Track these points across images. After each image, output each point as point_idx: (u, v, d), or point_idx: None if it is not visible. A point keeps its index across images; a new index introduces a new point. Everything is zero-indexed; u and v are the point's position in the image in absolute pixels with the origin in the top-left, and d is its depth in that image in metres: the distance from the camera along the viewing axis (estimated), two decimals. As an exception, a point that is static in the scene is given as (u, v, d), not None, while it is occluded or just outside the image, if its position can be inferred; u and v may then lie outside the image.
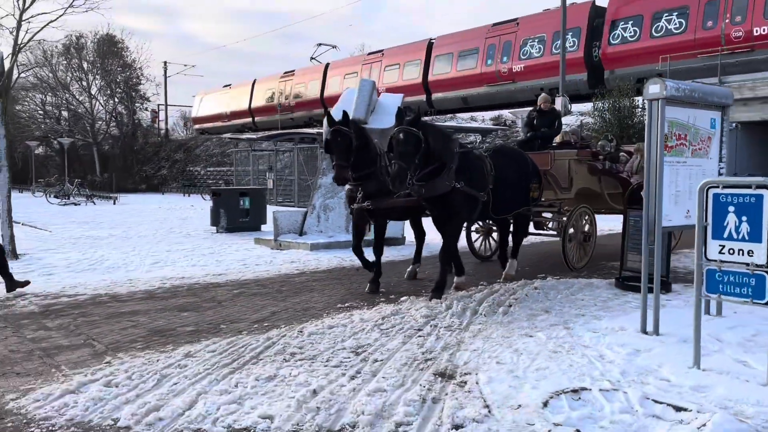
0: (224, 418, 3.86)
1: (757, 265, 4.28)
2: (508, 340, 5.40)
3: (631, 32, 25.49)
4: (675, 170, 5.63)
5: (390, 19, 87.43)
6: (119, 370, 4.69)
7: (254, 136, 32.77)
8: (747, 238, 4.32)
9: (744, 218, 4.33)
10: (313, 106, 40.50)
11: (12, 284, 7.67)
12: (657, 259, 5.54)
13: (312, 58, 42.52)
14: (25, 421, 3.87)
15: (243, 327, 6.06)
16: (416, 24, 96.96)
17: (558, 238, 9.54)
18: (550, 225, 9.84)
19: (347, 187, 7.66)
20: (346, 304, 7.00)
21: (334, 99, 39.07)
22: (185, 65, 60.66)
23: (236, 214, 14.97)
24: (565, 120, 25.15)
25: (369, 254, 8.14)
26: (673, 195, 5.64)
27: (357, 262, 8.36)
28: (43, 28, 10.67)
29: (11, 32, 10.52)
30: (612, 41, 26.07)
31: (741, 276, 4.36)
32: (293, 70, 44.64)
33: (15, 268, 9.44)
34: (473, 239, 10.43)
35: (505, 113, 30.73)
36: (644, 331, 5.54)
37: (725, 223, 4.43)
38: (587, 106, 26.19)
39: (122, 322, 6.32)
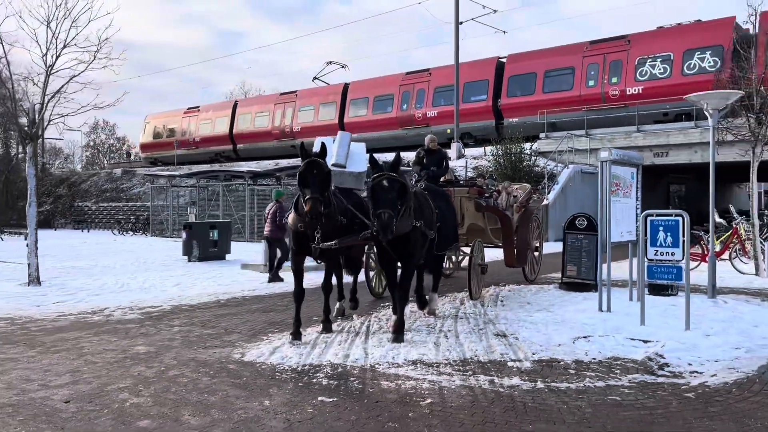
0: (389, 358, 6.22)
1: (677, 260, 7.39)
2: (521, 316, 8.17)
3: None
4: (615, 205, 8.75)
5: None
6: (284, 344, 6.85)
7: (176, 173, 33.62)
8: (670, 245, 7.43)
9: (669, 233, 7.44)
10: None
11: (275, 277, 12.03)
12: (608, 265, 8.57)
13: (316, 78, 40.97)
14: (263, 367, 5.97)
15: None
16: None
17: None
18: (452, 258, 11.96)
19: (291, 223, 7.21)
20: (386, 304, 9.41)
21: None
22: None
23: (207, 244, 16.67)
24: (459, 163, 29.22)
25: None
26: (615, 222, 8.75)
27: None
28: (68, 81, 11.86)
29: (37, 85, 11.67)
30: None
31: (668, 267, 7.44)
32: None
33: (43, 292, 10.87)
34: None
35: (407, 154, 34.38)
36: (600, 310, 8.52)
37: (657, 237, 7.52)
38: (480, 151, 30.25)
39: (233, 320, 8.35)
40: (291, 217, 7.26)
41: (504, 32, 35.48)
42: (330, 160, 14.18)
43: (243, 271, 14.21)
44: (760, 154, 12.74)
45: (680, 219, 7.40)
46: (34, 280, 11.87)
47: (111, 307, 9.46)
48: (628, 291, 9.44)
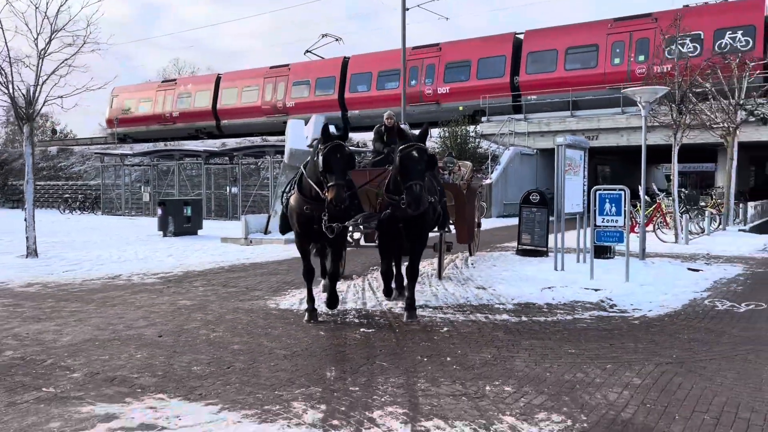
0: (401, 304, 7.69)
1: (619, 226, 9.18)
2: (493, 275, 9.81)
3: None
4: (569, 182, 10.48)
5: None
6: (300, 298, 8.21)
7: (129, 152, 33.64)
8: (615, 214, 9.21)
9: (613, 204, 9.21)
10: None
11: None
12: (562, 234, 10.30)
13: (308, 51, 39.41)
14: (301, 313, 7.31)
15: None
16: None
17: None
18: None
19: (295, 204, 6.73)
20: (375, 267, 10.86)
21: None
22: None
23: (181, 220, 17.58)
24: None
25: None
26: (567, 196, 10.49)
27: None
28: (60, 66, 12.45)
29: (30, 67, 12.24)
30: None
31: (612, 232, 9.23)
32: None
33: (45, 263, 11.73)
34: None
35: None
36: (556, 269, 10.26)
37: (604, 207, 9.28)
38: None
39: (249, 281, 9.61)
40: (294, 199, 6.72)
41: (447, 18, 37.08)
42: (306, 141, 15.54)
43: (224, 244, 15.29)
44: (680, 139, 14.89)
45: (622, 193, 9.19)
46: (32, 252, 12.62)
47: (125, 274, 10.48)
48: (576, 255, 11.25)
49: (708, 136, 18.98)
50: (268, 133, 35.82)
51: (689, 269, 10.84)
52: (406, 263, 7.18)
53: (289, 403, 4.32)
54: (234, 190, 26.02)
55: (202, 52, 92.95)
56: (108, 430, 3.88)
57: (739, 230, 20.40)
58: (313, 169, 6.39)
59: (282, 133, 35.82)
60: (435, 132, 30.13)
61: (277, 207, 15.62)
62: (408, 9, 33.52)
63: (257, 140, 32.86)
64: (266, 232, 15.43)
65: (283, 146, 29.99)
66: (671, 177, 16.31)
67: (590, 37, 28.60)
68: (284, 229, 7.75)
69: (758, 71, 19.40)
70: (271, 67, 39.41)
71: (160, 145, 35.71)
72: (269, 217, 15.60)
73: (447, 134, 28.54)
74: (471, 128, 29.15)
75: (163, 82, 45.68)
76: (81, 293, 8.69)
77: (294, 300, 8.00)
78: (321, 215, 6.47)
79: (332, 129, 6.46)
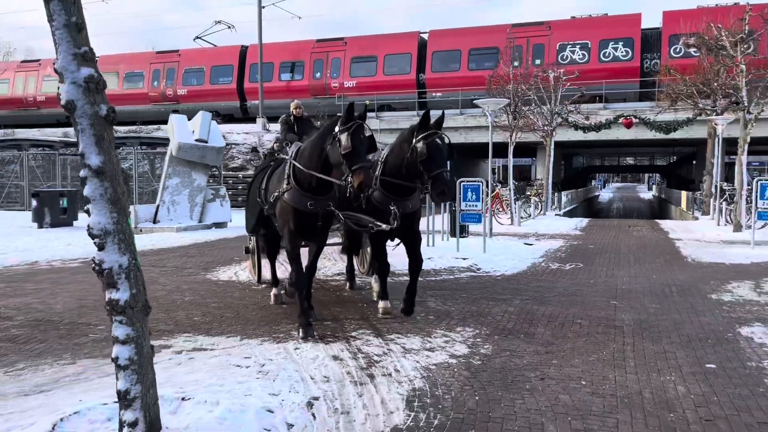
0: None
1: (478, 210, 11.79)
2: (382, 251, 11.98)
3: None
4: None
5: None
6: (235, 272, 9.76)
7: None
8: (474, 200, 11.79)
9: (473, 192, 11.79)
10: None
11: None
12: (433, 218, 12.73)
13: (198, 38, 37.87)
14: (235, 281, 8.92)
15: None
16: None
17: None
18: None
19: (294, 201, 6.00)
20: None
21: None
22: None
23: (58, 211, 17.66)
24: (268, 137, 32.22)
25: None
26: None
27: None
28: None
29: None
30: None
31: (473, 214, 11.83)
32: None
33: None
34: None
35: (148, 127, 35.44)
36: (428, 246, 12.68)
37: (467, 195, 11.83)
38: (242, 127, 33.22)
39: (172, 261, 10.85)
40: (291, 195, 6.03)
41: (299, 17, 38.75)
42: (193, 136, 16.70)
43: (113, 234, 15.90)
44: (514, 139, 18.18)
45: (481, 183, 11.82)
46: None
47: (41, 261, 11.13)
48: (441, 235, 13.79)
49: (532, 136, 22.83)
50: (156, 122, 34.83)
51: (525, 244, 13.86)
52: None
53: (289, 331, 6.10)
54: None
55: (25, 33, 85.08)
56: (172, 353, 5.41)
57: (556, 215, 24.73)
58: (314, 158, 5.82)
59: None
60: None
61: (166, 198, 16.58)
62: (264, 7, 34.88)
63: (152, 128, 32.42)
64: (155, 221, 16.26)
65: (150, 137, 29.91)
66: (495, 171, 19.69)
67: (491, 39, 30.78)
68: (256, 228, 7.49)
69: (569, 83, 23.57)
70: (159, 52, 38.21)
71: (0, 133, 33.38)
72: (158, 207, 16.43)
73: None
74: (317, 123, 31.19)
75: (23, 62, 41.98)
76: (23, 275, 9.44)
77: (230, 273, 9.54)
78: (326, 210, 6.03)
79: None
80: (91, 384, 4.59)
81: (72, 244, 13.66)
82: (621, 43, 28.93)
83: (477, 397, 4.36)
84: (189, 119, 17.42)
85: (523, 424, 3.93)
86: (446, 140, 6.12)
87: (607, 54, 29.07)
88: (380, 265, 6.87)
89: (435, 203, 7.20)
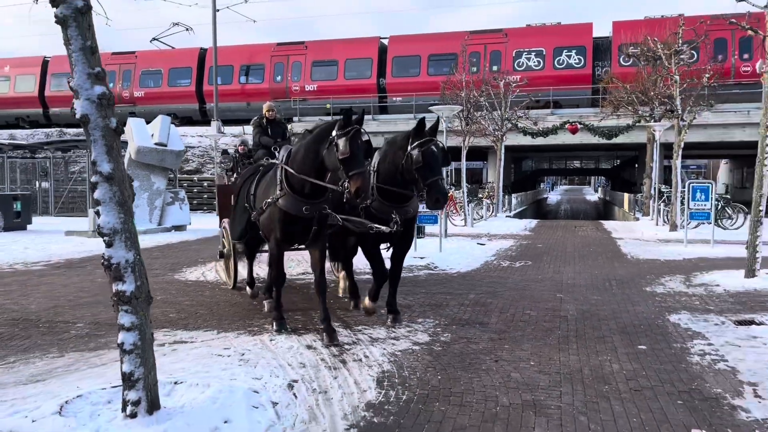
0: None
1: (436, 212, 12.41)
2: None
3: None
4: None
5: None
6: (202, 272, 10.09)
7: None
8: (431, 202, 12.42)
9: (430, 195, 12.40)
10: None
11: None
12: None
13: (155, 39, 36.87)
14: (202, 281, 9.27)
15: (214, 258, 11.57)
16: None
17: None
18: None
19: (288, 206, 5.89)
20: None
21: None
22: None
23: (11, 215, 17.47)
24: (224, 140, 32.30)
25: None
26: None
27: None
28: None
29: None
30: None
31: (430, 216, 12.43)
32: None
33: None
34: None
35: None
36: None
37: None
38: (197, 129, 33.32)
39: (147, 260, 11.03)
40: (286, 200, 5.90)
41: (254, 21, 38.80)
42: (152, 140, 16.86)
43: (71, 237, 15.84)
44: (467, 144, 18.92)
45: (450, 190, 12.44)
46: None
47: (2, 264, 11.18)
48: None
49: (483, 141, 23.70)
50: None
51: (478, 243, 14.57)
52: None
53: (262, 325, 6.54)
54: (45, 184, 25.28)
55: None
56: (156, 345, 5.74)
57: (507, 216, 25.67)
58: (308, 162, 5.75)
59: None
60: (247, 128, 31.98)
61: (138, 201, 16.60)
62: (219, 10, 34.85)
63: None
64: (114, 224, 16.27)
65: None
66: (448, 174, 20.46)
67: (449, 45, 30.92)
68: (243, 234, 7.33)
69: (519, 90, 24.56)
70: (114, 53, 37.22)
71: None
72: (117, 210, 16.45)
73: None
74: (290, 126, 31.45)
75: None
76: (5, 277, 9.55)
77: (198, 274, 9.87)
78: (322, 214, 5.96)
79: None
80: (84, 374, 4.94)
81: (29, 247, 13.65)
82: (574, 51, 30.17)
83: (439, 377, 4.92)
84: (148, 122, 17.52)
85: (480, 397, 4.50)
86: (441, 147, 6.09)
87: (561, 61, 30.26)
88: (378, 272, 6.65)
89: (429, 209, 7.27)
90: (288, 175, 5.93)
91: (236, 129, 33.49)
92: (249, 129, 32.15)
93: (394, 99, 32.67)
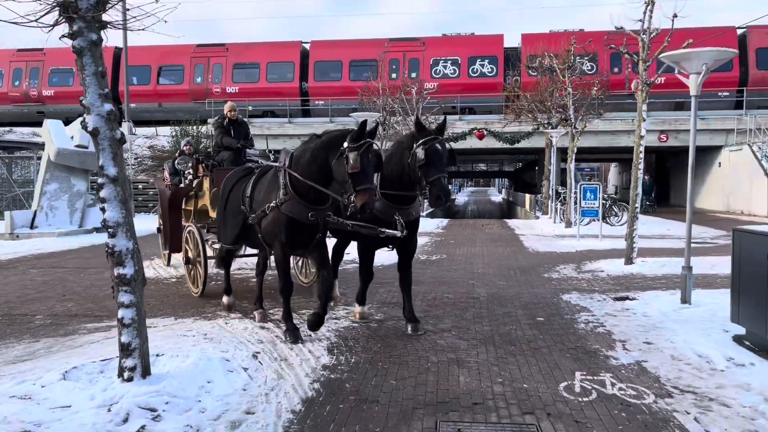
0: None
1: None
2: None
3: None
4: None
5: None
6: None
7: None
8: (354, 202, 13.42)
9: (354, 196, 13.40)
10: None
11: None
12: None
13: (64, 36, 34.31)
14: (155, 278, 9.81)
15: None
16: None
17: None
18: None
19: (294, 211, 5.85)
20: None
21: None
22: None
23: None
24: (139, 141, 31.84)
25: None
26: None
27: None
28: None
29: None
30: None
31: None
32: None
33: None
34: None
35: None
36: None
37: (347, 198, 13.41)
38: (152, 131, 33.05)
39: (72, 262, 11.33)
40: (291, 205, 5.85)
41: (165, 21, 38.23)
42: (73, 142, 16.90)
43: (-13, 240, 15.65)
44: (383, 148, 20.09)
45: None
46: None
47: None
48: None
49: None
50: (16, 124, 33.05)
51: (397, 241, 15.70)
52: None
53: (215, 312, 7.29)
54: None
55: None
56: (122, 331, 6.41)
57: (424, 215, 27.03)
58: (314, 168, 5.69)
59: (35, 124, 32.67)
60: (168, 130, 31.62)
61: (44, 203, 16.54)
62: (128, 9, 34.19)
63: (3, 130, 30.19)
64: (33, 227, 16.18)
65: (8, 141, 28.43)
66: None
67: (370, 52, 31.38)
68: (237, 239, 7.01)
69: (430, 96, 26.04)
70: (20, 50, 35.37)
71: None
72: (35, 212, 16.34)
73: (177, 132, 30.35)
74: (203, 128, 31.39)
75: None
76: None
77: (151, 272, 10.37)
78: (326, 220, 5.96)
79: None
80: (66, 354, 5.56)
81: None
82: (487, 60, 32.15)
83: (379, 345, 5.93)
84: (66, 123, 17.45)
85: (414, 357, 5.55)
86: (446, 146, 6.02)
87: (475, 70, 32.11)
88: (367, 274, 6.91)
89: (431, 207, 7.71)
90: (293, 179, 5.86)
91: (149, 130, 33.13)
92: (162, 130, 32.55)
93: (317, 102, 33.47)
